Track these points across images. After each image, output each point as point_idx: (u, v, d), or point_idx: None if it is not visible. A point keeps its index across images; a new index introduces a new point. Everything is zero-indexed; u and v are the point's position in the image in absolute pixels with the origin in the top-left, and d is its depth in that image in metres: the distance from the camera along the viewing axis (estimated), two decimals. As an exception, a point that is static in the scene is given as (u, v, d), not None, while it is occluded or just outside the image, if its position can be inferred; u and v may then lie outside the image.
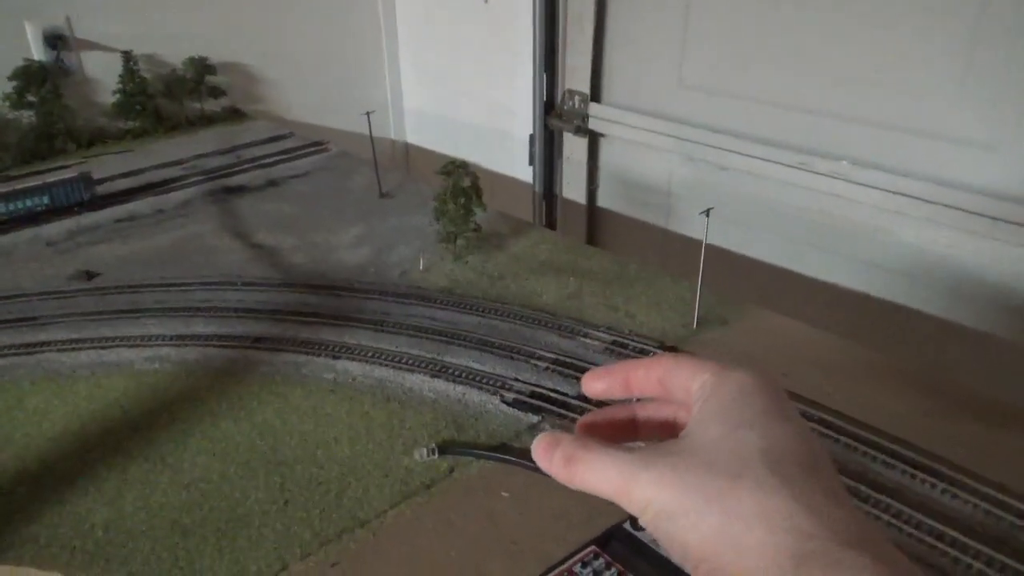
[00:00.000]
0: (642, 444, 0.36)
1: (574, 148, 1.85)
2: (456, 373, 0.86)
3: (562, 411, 0.80)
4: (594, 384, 0.37)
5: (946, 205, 1.24)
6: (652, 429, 0.36)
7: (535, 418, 0.79)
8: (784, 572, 0.25)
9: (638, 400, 0.37)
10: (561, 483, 0.33)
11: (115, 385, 0.86)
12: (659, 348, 0.91)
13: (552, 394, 0.82)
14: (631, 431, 0.37)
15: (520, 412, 0.80)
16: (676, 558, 0.29)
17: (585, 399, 0.81)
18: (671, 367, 0.34)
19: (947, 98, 1.22)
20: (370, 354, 0.90)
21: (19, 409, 0.83)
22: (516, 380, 0.85)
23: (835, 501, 0.27)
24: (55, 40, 1.65)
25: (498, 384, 0.84)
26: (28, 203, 1.30)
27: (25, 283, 1.10)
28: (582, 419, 0.38)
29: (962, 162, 1.23)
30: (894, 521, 0.65)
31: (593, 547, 0.62)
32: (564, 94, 1.81)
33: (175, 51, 1.81)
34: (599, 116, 1.76)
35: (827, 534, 0.26)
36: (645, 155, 1.71)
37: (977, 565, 0.61)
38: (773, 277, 1.55)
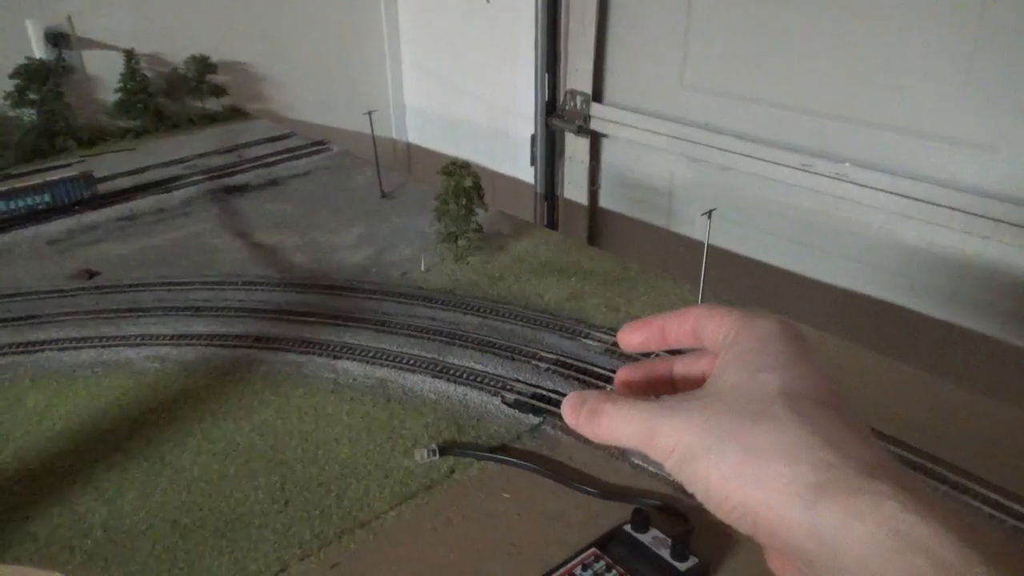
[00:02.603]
0: None
1: (576, 148, 1.85)
2: (457, 374, 0.86)
3: (563, 412, 0.79)
4: (631, 337, 0.37)
5: (948, 207, 1.24)
6: (688, 384, 0.36)
7: (536, 419, 0.79)
8: (805, 501, 0.26)
9: (675, 353, 0.37)
10: (589, 438, 0.33)
11: (115, 384, 0.86)
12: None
13: (553, 395, 0.82)
14: (668, 386, 0.37)
15: (521, 413, 0.80)
16: (701, 499, 0.29)
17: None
18: (703, 317, 0.35)
19: (949, 100, 1.22)
20: (371, 354, 0.90)
21: (19, 407, 0.83)
22: (517, 381, 0.85)
23: (855, 435, 0.28)
24: (57, 38, 1.65)
25: (499, 385, 0.84)
26: (29, 201, 1.30)
27: (26, 281, 1.10)
28: (619, 373, 0.38)
29: (964, 164, 1.23)
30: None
31: (594, 549, 0.62)
32: (566, 94, 1.81)
33: (177, 50, 1.81)
34: (601, 116, 1.76)
35: (846, 463, 0.26)
36: (647, 156, 1.71)
37: (979, 569, 0.61)
38: (775, 278, 1.55)
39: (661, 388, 0.37)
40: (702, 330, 0.35)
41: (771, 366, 0.30)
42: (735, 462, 0.28)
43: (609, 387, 0.83)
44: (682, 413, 0.30)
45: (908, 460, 0.72)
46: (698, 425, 0.29)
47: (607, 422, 0.32)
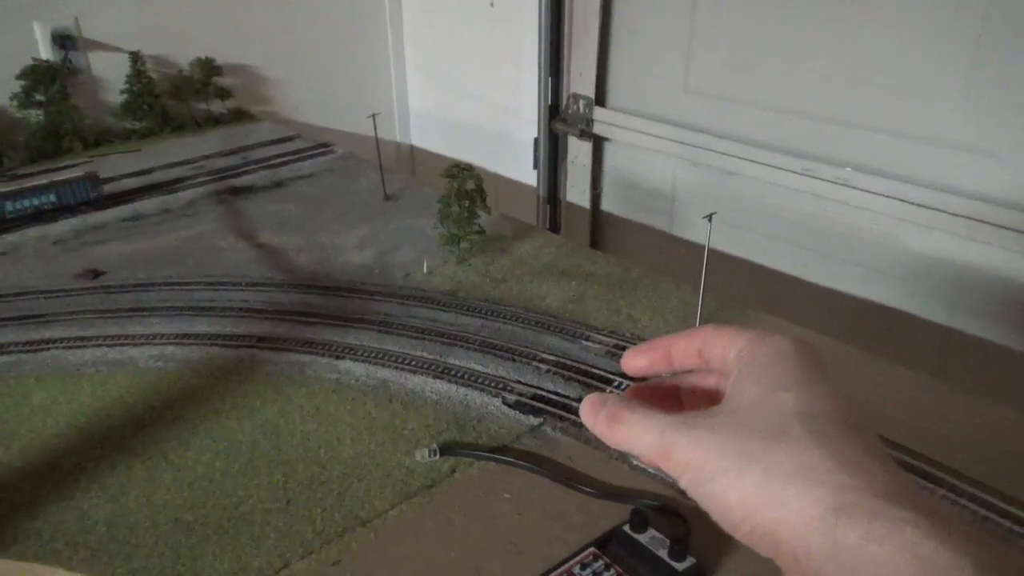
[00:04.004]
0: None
1: (578, 152, 1.86)
2: (458, 375, 0.86)
3: (563, 413, 0.80)
4: (635, 361, 0.37)
5: (950, 212, 1.24)
6: (696, 400, 0.37)
7: (536, 420, 0.80)
8: (825, 524, 0.26)
9: (681, 373, 0.38)
10: (604, 441, 0.33)
11: (120, 383, 0.87)
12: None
13: (553, 396, 0.83)
14: (676, 402, 0.38)
15: (522, 414, 0.80)
16: (717, 518, 0.29)
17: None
18: (710, 337, 0.35)
19: (952, 105, 1.23)
20: (373, 355, 0.90)
21: (25, 405, 0.84)
22: (518, 382, 0.85)
23: (873, 458, 0.28)
24: (63, 40, 1.66)
25: (500, 386, 0.85)
26: (35, 201, 1.31)
27: (31, 281, 1.11)
28: (629, 390, 0.38)
29: (966, 169, 1.24)
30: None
31: (592, 549, 0.62)
32: (569, 98, 1.82)
33: (182, 52, 1.82)
34: (604, 120, 1.76)
35: (865, 487, 0.26)
36: (649, 159, 1.72)
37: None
38: (776, 282, 1.55)
39: (668, 403, 0.37)
40: (710, 351, 0.35)
41: (788, 384, 0.30)
42: (753, 483, 0.28)
43: (611, 388, 0.84)
44: (699, 430, 0.30)
45: (908, 464, 0.72)
46: (715, 444, 0.29)
47: (624, 430, 0.32)
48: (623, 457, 0.74)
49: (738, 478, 0.28)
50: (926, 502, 0.26)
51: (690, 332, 0.36)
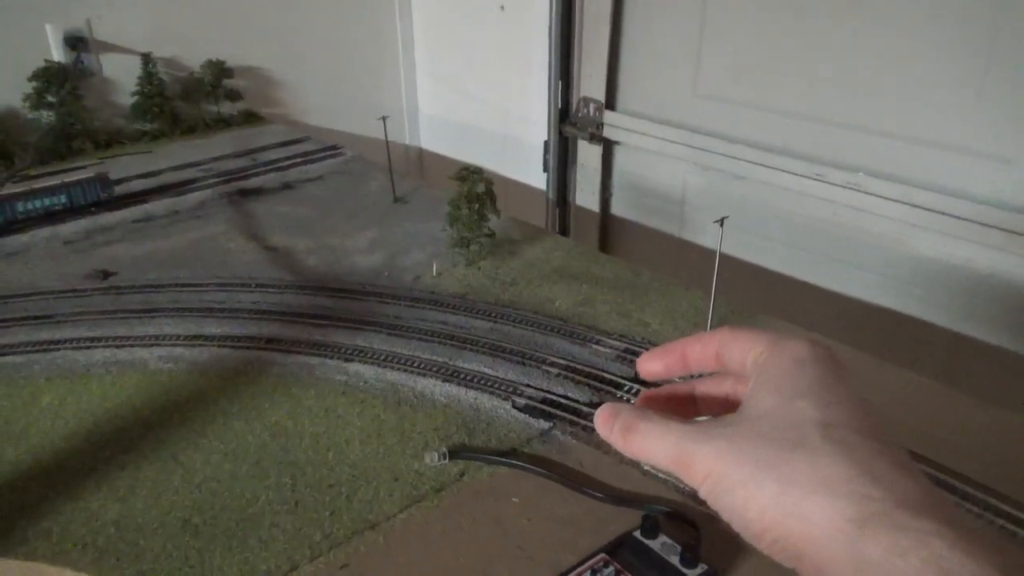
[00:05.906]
0: (706, 418, 0.36)
1: (588, 156, 1.85)
2: (468, 378, 0.86)
3: (573, 417, 0.80)
4: (651, 365, 0.36)
5: (961, 218, 1.24)
6: (712, 404, 0.36)
7: (546, 424, 0.79)
8: (848, 536, 0.25)
9: (697, 376, 0.37)
10: (620, 451, 0.33)
11: (129, 384, 0.87)
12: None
13: (563, 400, 0.82)
14: (691, 407, 0.37)
15: (531, 418, 0.80)
16: (738, 529, 0.29)
17: (594, 405, 0.81)
18: (727, 340, 0.34)
19: (963, 110, 1.22)
20: (382, 357, 0.90)
21: (34, 406, 0.84)
22: (528, 386, 0.85)
23: (896, 467, 0.27)
24: (75, 42, 1.67)
25: (509, 389, 0.84)
26: (46, 202, 1.31)
27: (42, 281, 1.11)
28: (643, 394, 0.37)
29: (978, 175, 1.23)
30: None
31: (603, 555, 0.62)
32: (579, 101, 1.82)
33: (193, 54, 1.83)
34: (614, 124, 1.76)
35: (887, 498, 0.26)
36: (659, 163, 1.71)
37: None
38: (785, 287, 1.55)
39: (683, 408, 0.37)
40: (727, 354, 0.34)
41: (806, 392, 0.30)
42: (773, 494, 0.27)
43: (621, 392, 0.83)
44: (716, 440, 0.30)
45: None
46: (732, 454, 0.29)
47: (640, 440, 0.32)
48: (634, 462, 0.73)
49: (757, 490, 0.28)
50: (951, 513, 0.26)
51: (706, 335, 0.35)
